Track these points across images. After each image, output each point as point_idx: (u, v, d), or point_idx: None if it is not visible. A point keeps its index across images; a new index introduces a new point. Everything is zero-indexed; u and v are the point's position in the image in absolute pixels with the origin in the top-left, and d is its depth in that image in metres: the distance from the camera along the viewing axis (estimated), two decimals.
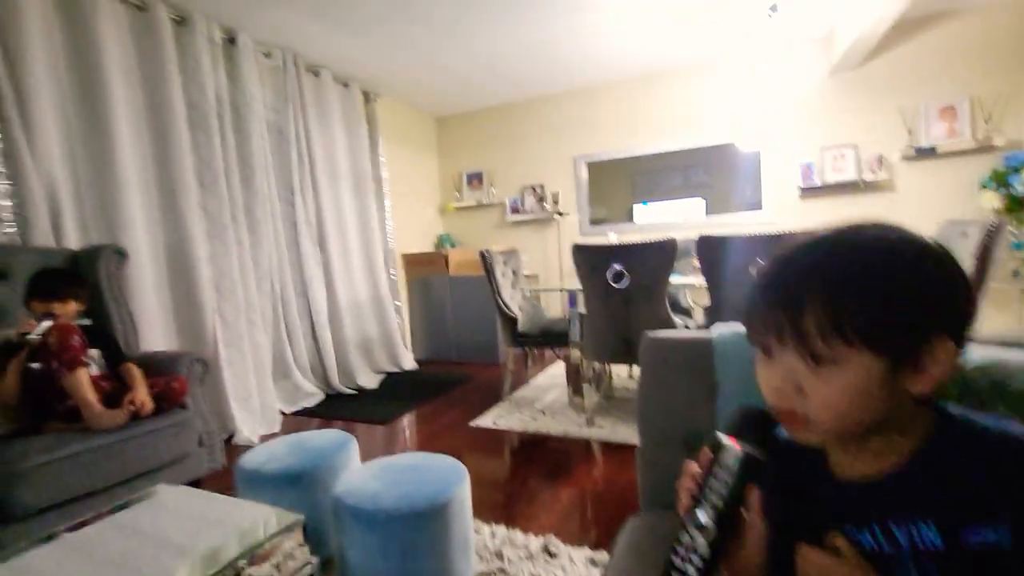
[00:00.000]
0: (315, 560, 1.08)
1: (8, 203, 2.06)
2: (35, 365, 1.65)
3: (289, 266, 3.33)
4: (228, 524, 1.03)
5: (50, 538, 1.03)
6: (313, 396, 3.28)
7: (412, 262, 4.52)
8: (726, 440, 0.48)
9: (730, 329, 0.98)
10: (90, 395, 1.65)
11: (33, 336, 1.65)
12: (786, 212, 3.87)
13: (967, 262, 2.10)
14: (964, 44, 3.33)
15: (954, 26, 3.34)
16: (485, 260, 3.04)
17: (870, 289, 0.43)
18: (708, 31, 3.44)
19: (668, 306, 2.46)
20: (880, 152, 3.56)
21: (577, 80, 4.28)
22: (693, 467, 0.50)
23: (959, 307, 0.44)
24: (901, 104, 3.49)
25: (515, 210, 4.78)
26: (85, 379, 1.65)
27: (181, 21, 2.70)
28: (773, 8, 2.82)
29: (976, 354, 0.70)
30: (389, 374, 3.95)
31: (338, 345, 3.61)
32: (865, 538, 0.46)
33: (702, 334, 1.00)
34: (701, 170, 4.20)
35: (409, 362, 4.16)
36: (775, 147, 3.87)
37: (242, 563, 0.96)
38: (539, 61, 3.81)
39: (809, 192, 3.79)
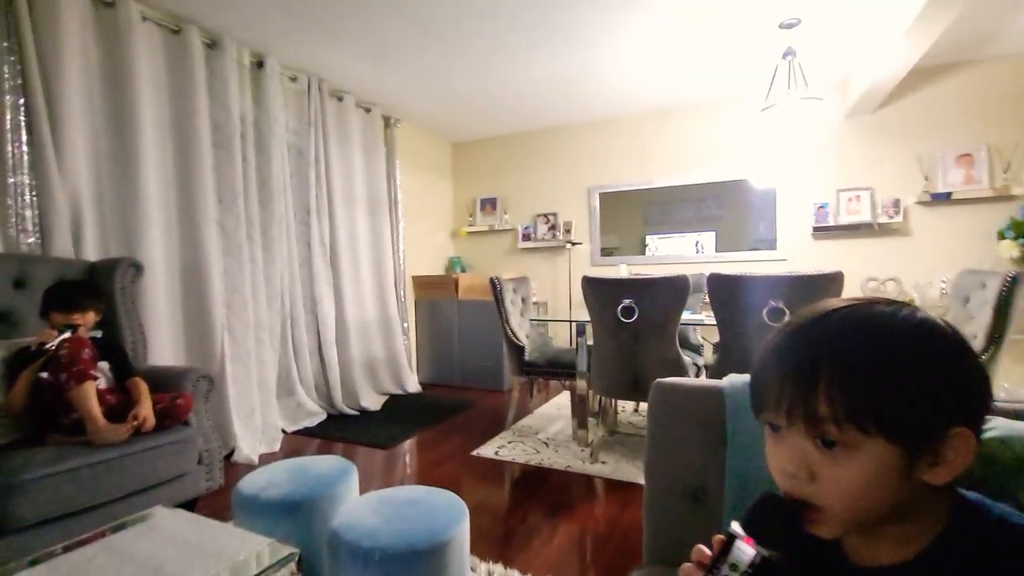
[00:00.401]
0: None
1: (30, 213, 2.11)
2: (44, 375, 1.67)
3: (300, 284, 3.35)
4: (222, 555, 1.01)
5: (41, 560, 1.02)
6: (316, 416, 3.26)
7: (422, 284, 4.54)
8: (741, 538, 0.45)
9: (742, 380, 0.96)
10: (95, 409, 1.65)
11: (50, 346, 1.67)
12: (799, 251, 3.85)
13: (985, 313, 2.07)
14: (981, 93, 3.35)
15: (971, 75, 3.37)
16: (495, 287, 3.04)
17: (888, 376, 0.41)
18: (723, 72, 3.49)
19: (678, 343, 2.44)
20: (896, 196, 3.55)
21: (592, 113, 4.35)
22: (703, 552, 0.48)
23: (979, 396, 0.43)
24: (918, 149, 3.50)
25: (527, 237, 4.81)
26: (92, 393, 1.66)
27: (212, 44, 2.80)
28: (789, 52, 2.86)
29: (999, 425, 0.67)
30: (393, 396, 3.93)
31: (344, 364, 3.61)
32: None
33: (713, 383, 0.98)
34: (714, 203, 4.22)
35: (413, 384, 4.13)
36: (790, 186, 3.88)
37: None
38: (556, 95, 3.88)
39: (822, 232, 3.77)
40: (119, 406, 1.78)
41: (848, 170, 3.70)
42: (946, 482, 0.42)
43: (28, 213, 2.09)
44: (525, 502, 2.15)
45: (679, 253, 4.29)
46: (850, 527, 0.45)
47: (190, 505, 1.90)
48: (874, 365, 0.42)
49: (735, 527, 0.47)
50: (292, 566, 1.05)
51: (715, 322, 2.33)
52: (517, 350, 3.05)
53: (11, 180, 2.04)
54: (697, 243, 4.25)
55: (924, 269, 3.48)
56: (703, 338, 3.34)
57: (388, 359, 4.03)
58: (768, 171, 3.94)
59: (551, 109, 4.23)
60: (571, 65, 3.35)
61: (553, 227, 4.71)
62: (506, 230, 4.91)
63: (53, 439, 1.67)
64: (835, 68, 3.48)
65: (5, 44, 2.02)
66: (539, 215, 4.78)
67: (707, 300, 2.53)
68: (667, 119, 4.26)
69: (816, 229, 3.78)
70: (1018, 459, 0.63)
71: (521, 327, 3.22)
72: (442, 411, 3.50)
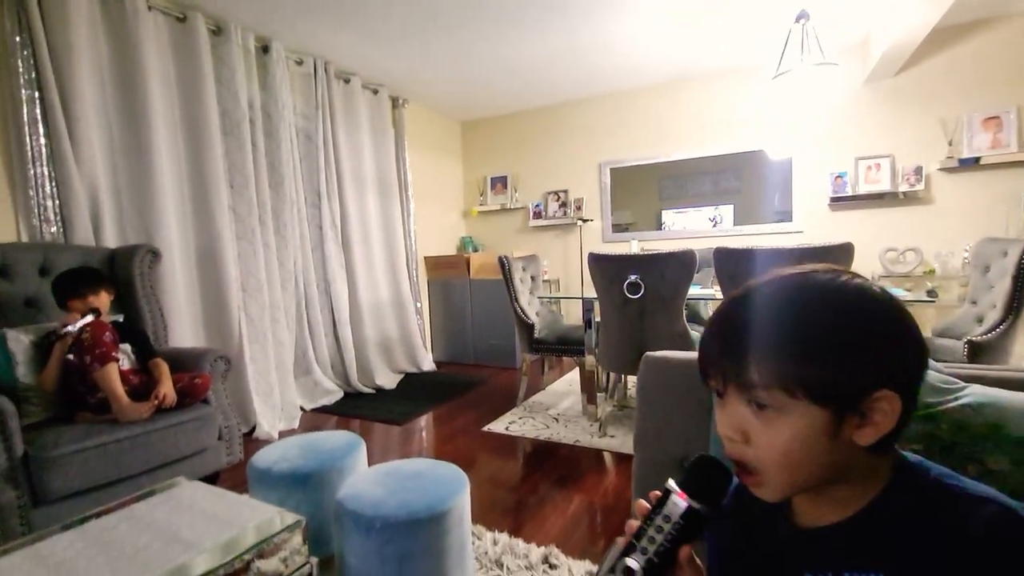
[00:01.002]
0: (314, 561, 1.11)
1: (51, 204, 2.19)
2: (71, 357, 1.76)
3: (313, 267, 3.42)
4: (234, 522, 1.08)
5: (72, 526, 1.10)
6: (333, 394, 3.36)
7: (434, 265, 4.58)
8: (675, 490, 0.48)
9: None
10: (118, 389, 1.74)
11: (71, 329, 1.75)
12: (815, 223, 3.76)
13: (1005, 282, 2.01)
14: (1009, 51, 3.17)
15: (996, 33, 3.19)
16: (503, 265, 3.06)
17: (811, 343, 0.42)
18: (738, 38, 3.38)
19: (685, 319, 2.43)
20: (918, 163, 3.42)
21: (604, 86, 4.26)
22: (642, 505, 0.50)
23: (905, 361, 0.43)
24: (941, 114, 3.35)
25: (538, 215, 4.79)
26: (114, 374, 1.74)
27: (217, 31, 2.82)
28: (803, 15, 2.75)
29: (974, 392, 0.67)
30: (408, 374, 4.02)
31: (358, 344, 3.69)
32: None
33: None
34: (732, 176, 4.13)
35: (428, 363, 4.21)
36: (807, 156, 3.77)
37: (248, 556, 1.00)
38: (566, 68, 3.81)
39: (840, 203, 3.67)
40: (142, 386, 1.87)
41: (867, 138, 3.57)
42: (872, 442, 0.43)
43: (49, 203, 2.18)
44: (534, 475, 2.21)
45: (696, 228, 4.23)
46: (789, 489, 0.47)
47: (212, 479, 2.00)
48: (797, 332, 0.43)
49: (671, 483, 0.50)
50: (299, 534, 1.12)
51: (723, 296, 2.32)
52: (527, 328, 3.08)
53: (31, 172, 2.12)
54: (715, 217, 4.18)
55: (946, 238, 3.37)
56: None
57: (402, 338, 4.10)
58: (784, 141, 3.83)
59: (561, 84, 4.15)
60: (581, 38, 3.27)
61: (564, 204, 4.68)
62: (517, 208, 4.90)
63: (82, 417, 1.77)
64: (852, 31, 3.33)
65: (18, 39, 2.08)
66: (550, 192, 4.74)
67: (716, 275, 2.52)
68: (681, 90, 4.15)
69: (834, 199, 3.68)
70: (988, 425, 0.64)
71: (531, 305, 3.24)
72: (455, 388, 3.57)
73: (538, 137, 4.78)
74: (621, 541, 0.48)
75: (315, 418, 3.10)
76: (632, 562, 0.46)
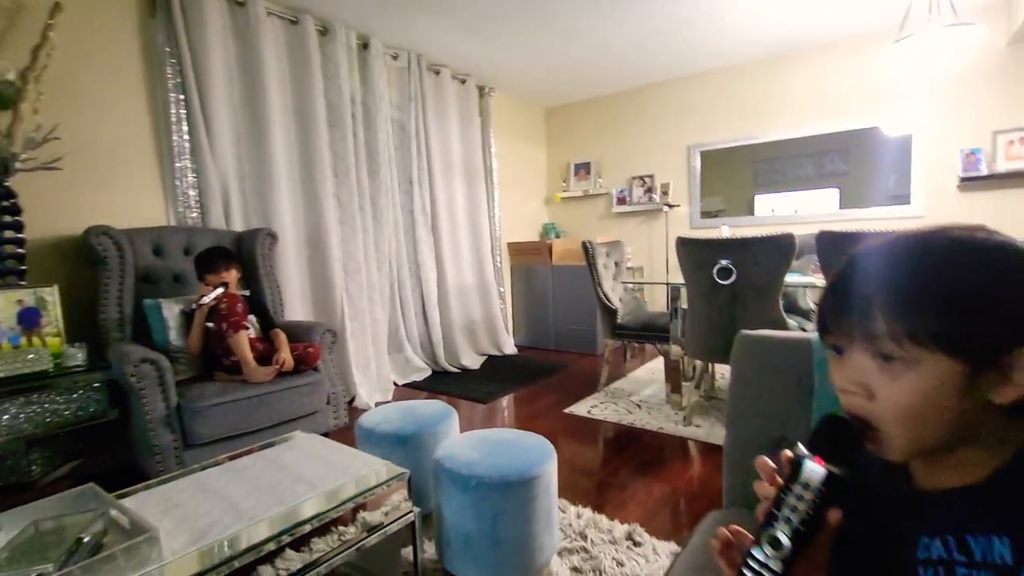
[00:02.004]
0: (417, 510, 1.22)
1: (193, 193, 2.52)
2: (210, 324, 2.03)
3: (405, 251, 3.64)
4: (349, 470, 1.21)
5: (219, 463, 1.30)
6: (422, 371, 3.57)
7: (517, 250, 4.67)
8: (809, 457, 0.46)
9: None
10: (248, 353, 1.99)
11: (206, 300, 2.03)
12: (940, 206, 3.36)
13: None
14: None
15: None
16: (587, 250, 3.07)
17: (947, 292, 0.41)
18: (849, 4, 3.08)
19: (781, 306, 2.30)
20: None
21: (693, 66, 4.07)
22: (767, 465, 0.50)
23: None
24: None
25: (622, 200, 4.70)
26: (245, 340, 2.00)
27: (324, 31, 3.06)
28: None
29: None
30: (490, 357, 4.15)
31: (445, 325, 3.88)
32: (936, 547, 0.44)
33: (801, 335, 0.96)
34: (837, 157, 3.79)
35: (509, 347, 4.33)
36: (931, 131, 3.37)
37: (352, 504, 1.12)
38: (654, 49, 3.69)
39: (972, 183, 3.25)
40: (265, 352, 2.12)
41: (1010, 108, 3.12)
42: (1013, 401, 0.41)
43: (191, 192, 2.51)
44: (615, 458, 2.22)
45: (794, 213, 3.95)
46: (913, 447, 0.45)
47: None
48: (936, 282, 0.42)
49: (801, 448, 0.49)
50: (404, 486, 1.23)
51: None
52: (610, 313, 3.07)
53: (177, 164, 2.45)
54: (817, 201, 3.87)
55: None
56: (815, 303, 3.09)
57: (486, 321, 4.24)
58: (903, 116, 3.45)
59: (648, 65, 4.03)
60: (671, 14, 3.15)
61: (649, 190, 4.56)
62: (600, 194, 4.84)
63: (219, 376, 2.05)
64: None
65: (167, 49, 2.40)
66: (634, 178, 4.64)
67: (818, 261, 2.35)
68: (781, 65, 3.86)
69: (964, 180, 3.26)
70: None
71: (614, 291, 3.22)
72: (537, 372, 3.65)
73: (623, 121, 4.68)
74: (761, 510, 0.48)
75: (406, 392, 3.31)
76: (780, 535, 0.44)
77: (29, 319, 1.79)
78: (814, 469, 0.45)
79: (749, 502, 0.95)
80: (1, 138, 1.78)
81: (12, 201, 1.83)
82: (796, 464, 0.47)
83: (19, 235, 1.85)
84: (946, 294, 0.41)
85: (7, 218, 1.81)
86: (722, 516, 0.93)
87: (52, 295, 1.86)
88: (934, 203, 3.39)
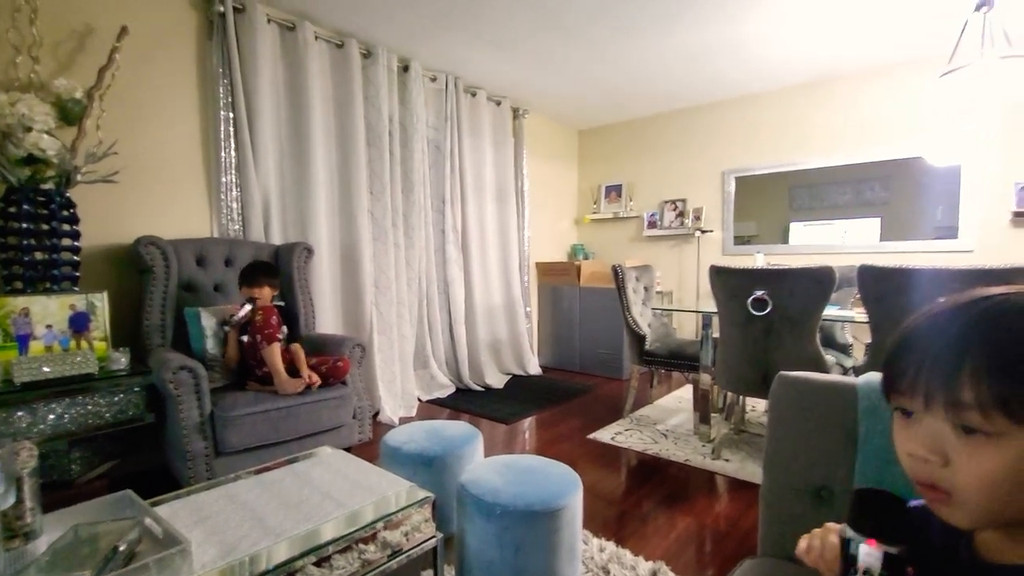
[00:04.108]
0: (440, 536, 1.21)
1: (236, 206, 2.62)
2: (244, 338, 2.09)
3: (435, 268, 3.68)
4: (375, 490, 1.22)
5: (244, 476, 1.32)
6: (446, 388, 3.58)
7: (545, 270, 4.67)
8: (860, 539, 0.45)
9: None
10: (280, 365, 2.03)
11: (238, 317, 2.09)
12: (990, 241, 3.22)
13: None
14: None
15: None
16: (617, 274, 3.04)
17: None
18: (896, 31, 3.02)
19: (818, 341, 2.23)
20: None
21: (730, 90, 4.05)
22: (816, 546, 0.49)
23: None
24: None
25: (652, 224, 4.67)
26: (278, 352, 2.04)
27: (367, 54, 3.17)
28: (984, 3, 2.39)
29: None
30: (515, 376, 4.13)
31: (471, 343, 3.89)
32: None
33: (846, 380, 0.92)
34: (878, 185, 3.68)
35: (534, 367, 4.30)
36: (981, 162, 3.25)
37: (379, 525, 1.12)
38: (689, 73, 3.69)
39: None
40: (289, 364, 2.16)
41: None
42: None
43: (234, 206, 2.60)
44: (639, 489, 2.16)
45: (831, 243, 3.84)
46: (988, 519, 0.42)
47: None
48: None
49: (849, 531, 0.46)
50: (428, 508, 1.22)
51: (867, 320, 2.09)
52: (638, 339, 3.02)
53: (223, 179, 2.56)
54: (856, 231, 3.76)
55: None
56: (853, 337, 2.98)
57: (511, 341, 4.24)
58: (951, 145, 3.34)
59: (683, 89, 4.03)
60: (708, 39, 3.16)
61: (681, 214, 4.51)
62: (631, 217, 4.82)
63: (251, 386, 2.10)
64: None
65: (221, 70, 2.52)
66: (666, 201, 4.60)
67: (859, 295, 2.27)
68: (821, 91, 3.81)
69: (1018, 214, 3.13)
70: None
71: (643, 316, 3.18)
72: (561, 394, 3.61)
73: (657, 144, 4.67)
74: None
75: (430, 409, 3.32)
76: None
77: (79, 323, 1.88)
78: (870, 553, 0.44)
79: (786, 552, 0.91)
80: (65, 152, 1.89)
81: (72, 211, 1.94)
82: (845, 549, 0.45)
83: (76, 243, 1.95)
84: None
85: (66, 227, 1.92)
86: (757, 565, 0.90)
87: (101, 301, 1.95)
88: (985, 238, 3.25)
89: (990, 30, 2.41)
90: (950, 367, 0.41)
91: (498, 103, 4.12)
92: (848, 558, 0.45)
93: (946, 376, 0.41)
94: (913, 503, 0.53)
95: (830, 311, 2.30)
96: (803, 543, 0.52)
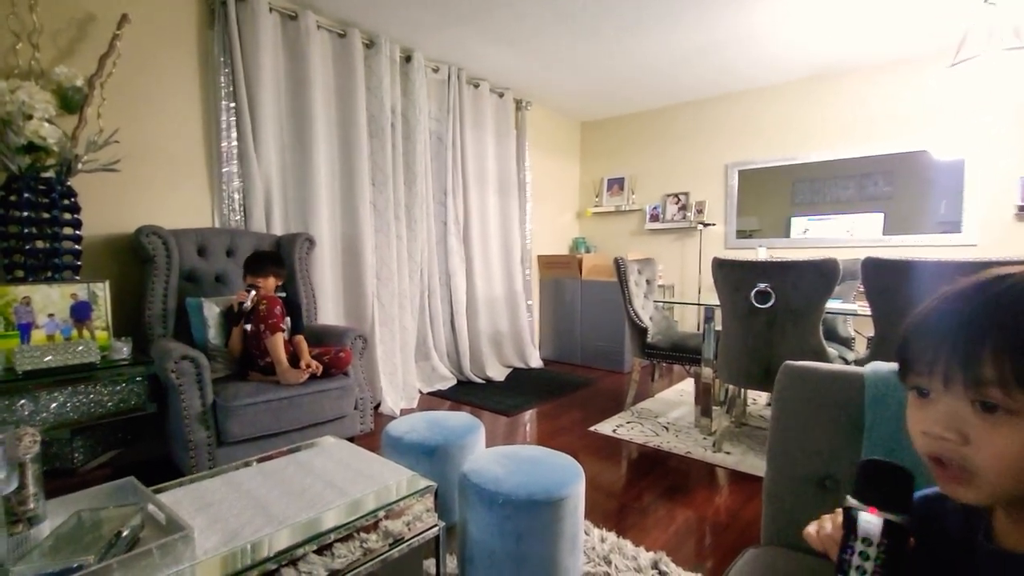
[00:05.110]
0: (442, 524, 1.21)
1: (237, 196, 2.60)
2: (248, 327, 2.09)
3: (436, 260, 3.67)
4: (377, 479, 1.22)
5: (248, 465, 1.32)
6: (447, 380, 3.58)
7: (546, 263, 4.66)
8: (862, 508, 0.44)
9: (888, 367, 0.88)
10: (283, 355, 2.03)
11: (246, 305, 2.08)
12: (994, 235, 3.21)
13: None
14: None
15: None
16: (619, 267, 3.03)
17: None
18: (901, 25, 2.99)
19: (821, 334, 2.22)
20: None
21: (734, 84, 4.02)
22: (826, 531, 0.48)
23: None
24: None
25: (655, 218, 4.65)
26: (281, 342, 2.04)
27: (370, 44, 3.14)
28: None
29: None
30: (516, 369, 4.14)
31: (472, 335, 3.89)
32: None
33: (853, 369, 0.92)
34: (881, 179, 3.66)
35: (535, 360, 4.30)
36: (985, 156, 3.23)
37: (381, 514, 1.12)
38: (693, 67, 3.66)
39: None
40: (291, 354, 2.15)
41: None
42: None
43: (236, 196, 2.60)
44: (640, 481, 2.17)
45: (834, 236, 3.82)
46: (1002, 496, 0.42)
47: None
48: None
49: (851, 500, 0.46)
50: (430, 498, 1.23)
51: (870, 313, 2.08)
52: (640, 331, 3.02)
53: (224, 169, 2.55)
54: (859, 225, 3.74)
55: None
56: (856, 331, 2.98)
57: (512, 333, 4.24)
58: (955, 139, 3.32)
59: (689, 82, 4.00)
60: (713, 33, 3.13)
61: (684, 207, 4.50)
62: (633, 210, 4.80)
63: (254, 376, 2.10)
64: None
65: (222, 59, 2.51)
66: (669, 195, 4.58)
67: (862, 288, 2.26)
68: (826, 85, 3.78)
69: (1022, 208, 3.11)
70: None
71: (645, 309, 3.17)
72: (562, 387, 3.61)
73: (660, 138, 4.64)
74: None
75: (431, 401, 3.32)
76: None
77: (81, 313, 1.87)
78: (870, 520, 0.43)
79: (790, 540, 0.91)
80: (66, 140, 1.88)
81: (73, 200, 1.93)
82: (850, 519, 0.45)
83: (77, 232, 1.95)
84: None
85: (67, 216, 1.91)
86: (760, 554, 0.89)
87: (103, 290, 1.94)
88: (988, 232, 3.23)
89: (998, 24, 2.39)
90: (971, 345, 0.41)
91: (501, 95, 4.09)
92: (849, 527, 0.44)
93: (967, 354, 0.41)
94: (926, 491, 0.53)
95: (833, 304, 2.29)
96: (812, 526, 0.52)
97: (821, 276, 2.13)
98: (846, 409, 0.89)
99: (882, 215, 3.67)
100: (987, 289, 0.43)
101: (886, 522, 0.43)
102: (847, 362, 2.54)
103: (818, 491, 0.91)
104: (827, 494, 0.90)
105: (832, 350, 2.39)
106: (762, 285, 2.23)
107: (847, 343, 2.84)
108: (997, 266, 0.45)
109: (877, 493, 0.45)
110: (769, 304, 2.22)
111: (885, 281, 1.96)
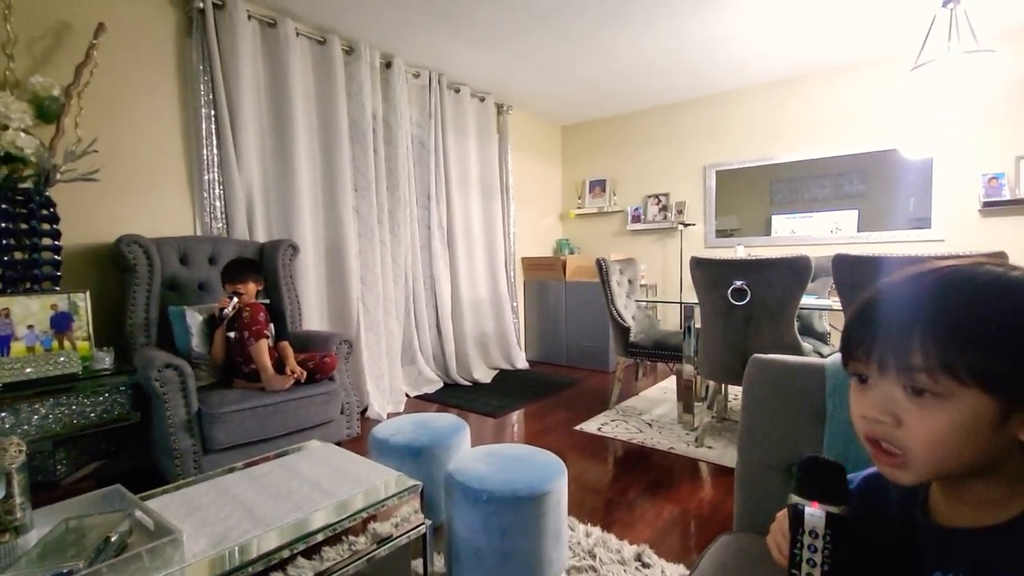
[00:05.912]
0: (429, 523, 1.24)
1: (219, 204, 2.60)
2: (231, 334, 2.09)
3: (421, 264, 3.69)
4: (364, 480, 1.24)
5: (234, 470, 1.33)
6: (434, 383, 3.60)
7: (531, 265, 4.70)
8: (804, 503, 0.48)
9: None
10: (267, 361, 2.04)
11: (228, 311, 2.09)
12: (961, 231, 3.33)
13: None
14: None
15: None
16: (601, 267, 3.08)
17: (989, 329, 0.41)
18: (868, 28, 3.10)
19: (796, 329, 2.29)
20: None
21: (710, 87, 4.11)
22: (782, 530, 0.52)
23: None
24: None
25: (636, 219, 4.72)
26: (265, 348, 2.05)
27: (350, 51, 3.16)
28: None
29: None
30: (502, 371, 4.17)
31: (458, 338, 3.91)
32: None
33: (815, 360, 0.97)
34: (856, 178, 3.78)
35: (521, 361, 4.34)
36: (952, 155, 3.35)
37: (367, 514, 1.14)
38: (669, 70, 3.74)
39: (994, 208, 3.21)
40: (276, 361, 2.16)
41: None
42: None
43: (217, 204, 2.59)
44: (625, 477, 2.21)
45: (811, 234, 3.93)
46: (933, 474, 0.45)
47: None
48: (976, 316, 0.42)
49: (793, 498, 0.50)
50: (416, 498, 1.25)
51: (842, 308, 2.15)
52: (622, 331, 3.07)
53: (206, 177, 2.54)
54: (834, 223, 3.85)
55: None
56: (831, 325, 3.06)
57: (498, 336, 4.27)
58: (924, 139, 3.44)
59: (664, 85, 4.08)
60: (688, 37, 3.20)
61: (664, 208, 4.58)
62: (615, 212, 4.87)
63: (238, 383, 2.10)
64: (1013, 12, 2.91)
65: (201, 67, 2.50)
66: (650, 196, 4.66)
67: (835, 284, 2.34)
68: (798, 87, 3.88)
69: (987, 204, 3.23)
70: None
71: (627, 308, 3.22)
72: (548, 387, 3.65)
73: (639, 140, 4.72)
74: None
75: (418, 404, 3.33)
76: None
77: (61, 323, 1.86)
78: (813, 514, 0.47)
79: (761, 527, 0.95)
80: (44, 150, 1.87)
81: (51, 210, 1.92)
82: (795, 515, 0.48)
83: (56, 243, 1.93)
84: (996, 333, 0.41)
85: (46, 226, 1.90)
86: (733, 540, 0.94)
87: (84, 301, 1.93)
88: (955, 228, 3.35)
89: (957, 26, 2.49)
90: (903, 334, 0.44)
91: (482, 99, 4.13)
92: (797, 523, 0.48)
93: (899, 343, 0.44)
94: (867, 472, 0.57)
95: (808, 300, 2.37)
96: (770, 537, 0.56)
97: (794, 273, 2.20)
98: (809, 399, 0.94)
99: (856, 212, 3.78)
100: (918, 281, 0.46)
101: (828, 514, 0.46)
102: (822, 356, 2.61)
103: (786, 478, 0.95)
104: (794, 480, 0.94)
105: (807, 344, 2.46)
106: (738, 283, 2.29)
107: (823, 338, 2.92)
108: (952, 259, 0.48)
109: (816, 487, 0.48)
110: (746, 301, 2.28)
111: (855, 276, 2.03)
